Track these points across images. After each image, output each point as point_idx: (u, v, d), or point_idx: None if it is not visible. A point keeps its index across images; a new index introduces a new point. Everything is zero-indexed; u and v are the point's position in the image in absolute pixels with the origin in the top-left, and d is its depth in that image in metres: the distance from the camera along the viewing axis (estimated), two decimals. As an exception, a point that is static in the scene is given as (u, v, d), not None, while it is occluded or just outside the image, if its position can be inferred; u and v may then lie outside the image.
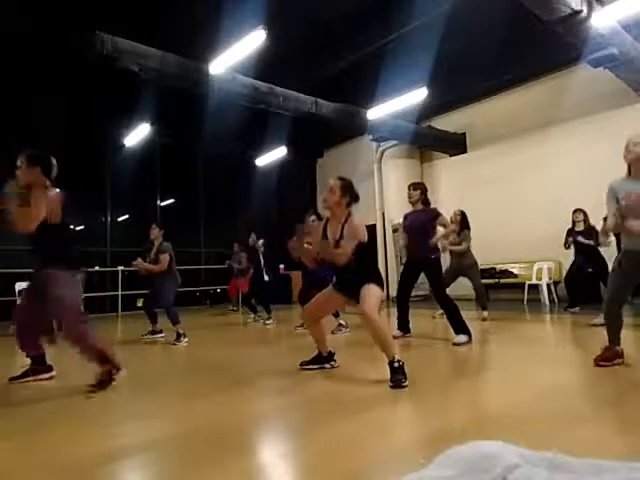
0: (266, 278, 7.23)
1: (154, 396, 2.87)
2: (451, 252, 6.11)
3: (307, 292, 5.28)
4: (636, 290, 3.29)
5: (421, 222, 4.57)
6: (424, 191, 4.71)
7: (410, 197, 4.72)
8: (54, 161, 3.20)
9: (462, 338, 4.19)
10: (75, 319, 3.09)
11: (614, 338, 3.11)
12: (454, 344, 4.14)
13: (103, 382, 2.98)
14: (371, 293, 3.00)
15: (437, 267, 4.54)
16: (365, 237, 3.11)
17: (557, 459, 0.71)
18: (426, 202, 4.71)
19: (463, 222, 6.09)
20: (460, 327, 4.27)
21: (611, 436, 1.91)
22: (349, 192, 3.21)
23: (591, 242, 5.89)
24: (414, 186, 4.77)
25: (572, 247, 6.24)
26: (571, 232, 6.23)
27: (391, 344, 2.95)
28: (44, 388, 3.21)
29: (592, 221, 6.03)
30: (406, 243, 4.76)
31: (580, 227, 6.15)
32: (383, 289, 3.12)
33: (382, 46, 8.10)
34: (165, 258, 5.38)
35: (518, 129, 9.33)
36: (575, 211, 6.26)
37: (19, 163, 3.12)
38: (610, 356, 3.06)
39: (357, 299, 3.02)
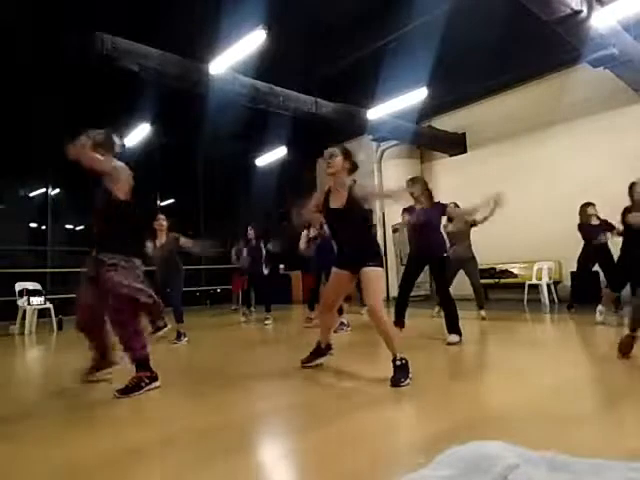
0: (265, 272, 7.27)
1: (155, 396, 2.86)
2: (451, 245, 6.07)
3: (318, 287, 5.40)
4: None
5: (429, 218, 4.45)
6: (425, 184, 4.61)
7: (412, 193, 4.56)
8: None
9: (455, 338, 4.23)
10: None
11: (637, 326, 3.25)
12: (448, 343, 4.16)
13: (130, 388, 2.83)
14: (375, 285, 3.04)
15: (445, 265, 4.55)
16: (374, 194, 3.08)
17: (557, 459, 0.71)
18: (430, 195, 4.59)
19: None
20: (454, 328, 4.30)
21: (611, 436, 1.91)
22: (350, 158, 3.24)
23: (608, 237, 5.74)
24: (413, 181, 4.64)
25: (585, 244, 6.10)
26: (588, 227, 5.96)
27: (394, 341, 2.97)
28: (48, 389, 3.21)
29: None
30: (411, 239, 4.75)
31: (595, 221, 5.97)
32: (383, 266, 3.13)
33: (382, 46, 8.09)
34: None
35: (518, 129, 9.32)
36: (589, 205, 6.03)
37: None
38: (630, 343, 3.20)
39: (358, 272, 3.07)
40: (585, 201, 6.18)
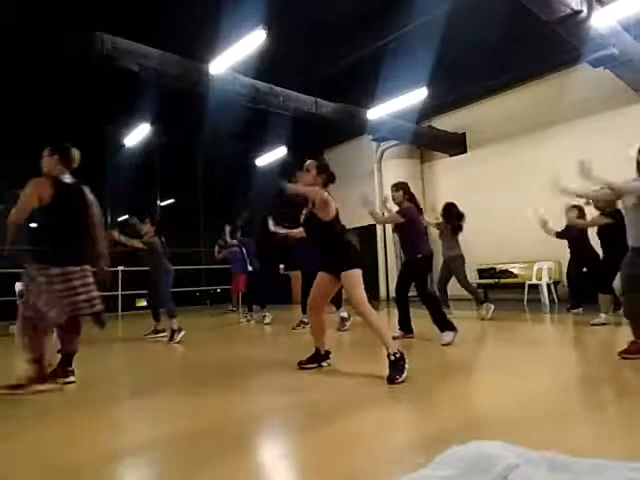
0: (250, 269, 7.39)
1: (155, 396, 2.87)
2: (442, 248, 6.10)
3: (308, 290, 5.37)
4: None
5: (403, 223, 4.66)
6: (406, 190, 4.78)
7: (394, 199, 4.79)
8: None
9: (448, 336, 4.18)
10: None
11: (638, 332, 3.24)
12: (443, 344, 4.12)
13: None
14: (354, 286, 3.10)
15: (419, 266, 4.58)
16: (319, 204, 3.11)
17: (557, 459, 0.71)
18: (410, 200, 4.76)
19: (444, 215, 6.06)
20: (444, 325, 4.27)
21: (611, 436, 1.91)
22: (324, 172, 3.29)
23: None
24: (396, 187, 4.82)
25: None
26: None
27: (385, 336, 2.99)
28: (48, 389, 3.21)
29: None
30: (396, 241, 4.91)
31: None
32: (360, 266, 3.19)
33: (382, 46, 8.10)
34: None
35: (518, 129, 9.32)
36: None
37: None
38: (636, 349, 3.17)
39: (338, 275, 3.17)
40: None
